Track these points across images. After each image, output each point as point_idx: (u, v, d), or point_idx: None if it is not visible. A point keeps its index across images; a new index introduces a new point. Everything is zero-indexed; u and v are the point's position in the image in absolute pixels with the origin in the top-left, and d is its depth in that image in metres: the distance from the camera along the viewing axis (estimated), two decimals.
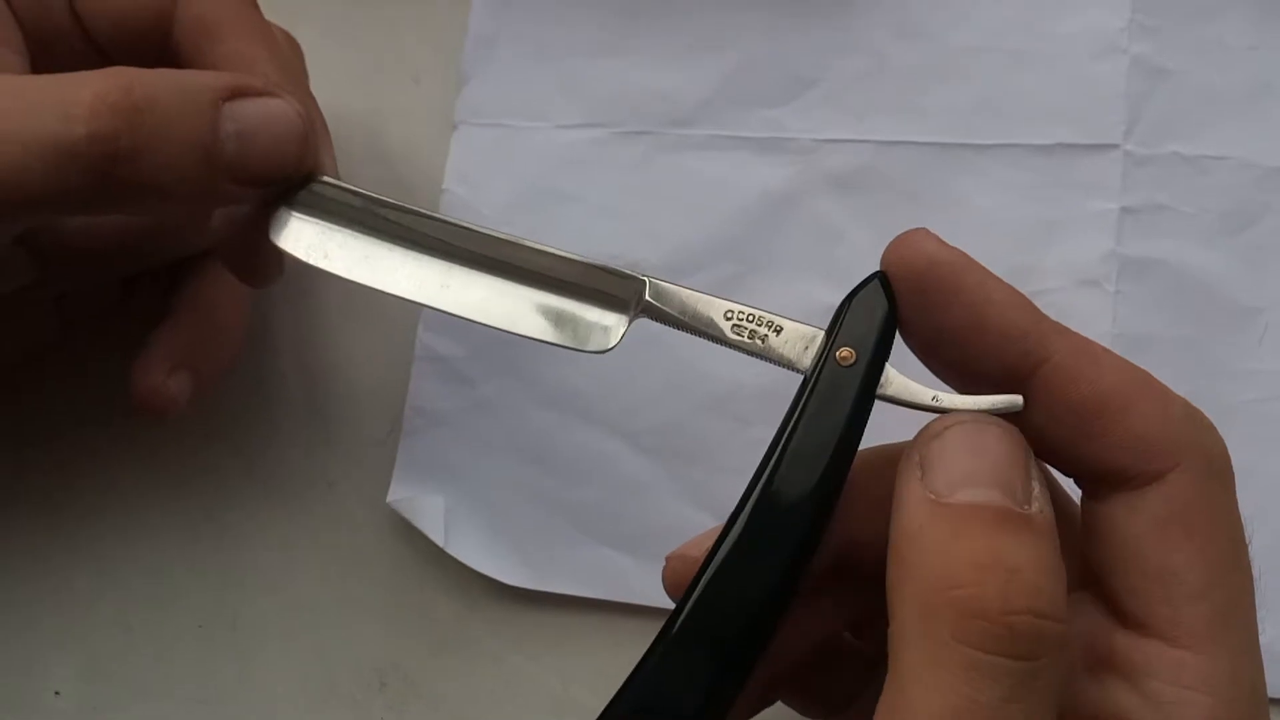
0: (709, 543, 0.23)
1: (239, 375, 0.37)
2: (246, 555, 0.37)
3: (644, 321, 0.35)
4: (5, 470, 0.37)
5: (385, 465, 0.36)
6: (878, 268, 0.24)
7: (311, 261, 0.30)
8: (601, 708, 0.26)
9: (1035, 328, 0.23)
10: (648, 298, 0.27)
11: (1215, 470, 0.23)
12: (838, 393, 0.23)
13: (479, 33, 0.38)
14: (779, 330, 0.26)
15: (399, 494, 0.36)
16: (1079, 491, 0.24)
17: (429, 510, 0.35)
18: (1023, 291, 0.24)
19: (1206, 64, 0.35)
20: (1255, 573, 0.23)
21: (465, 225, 0.29)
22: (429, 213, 0.29)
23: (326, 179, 0.30)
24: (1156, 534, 0.22)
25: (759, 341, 0.26)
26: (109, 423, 0.37)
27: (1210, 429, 0.23)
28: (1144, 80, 0.35)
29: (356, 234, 0.30)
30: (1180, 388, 0.23)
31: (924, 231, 0.23)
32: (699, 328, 0.27)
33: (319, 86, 0.35)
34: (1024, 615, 0.20)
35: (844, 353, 0.24)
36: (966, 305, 0.23)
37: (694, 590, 0.23)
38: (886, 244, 0.24)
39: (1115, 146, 0.35)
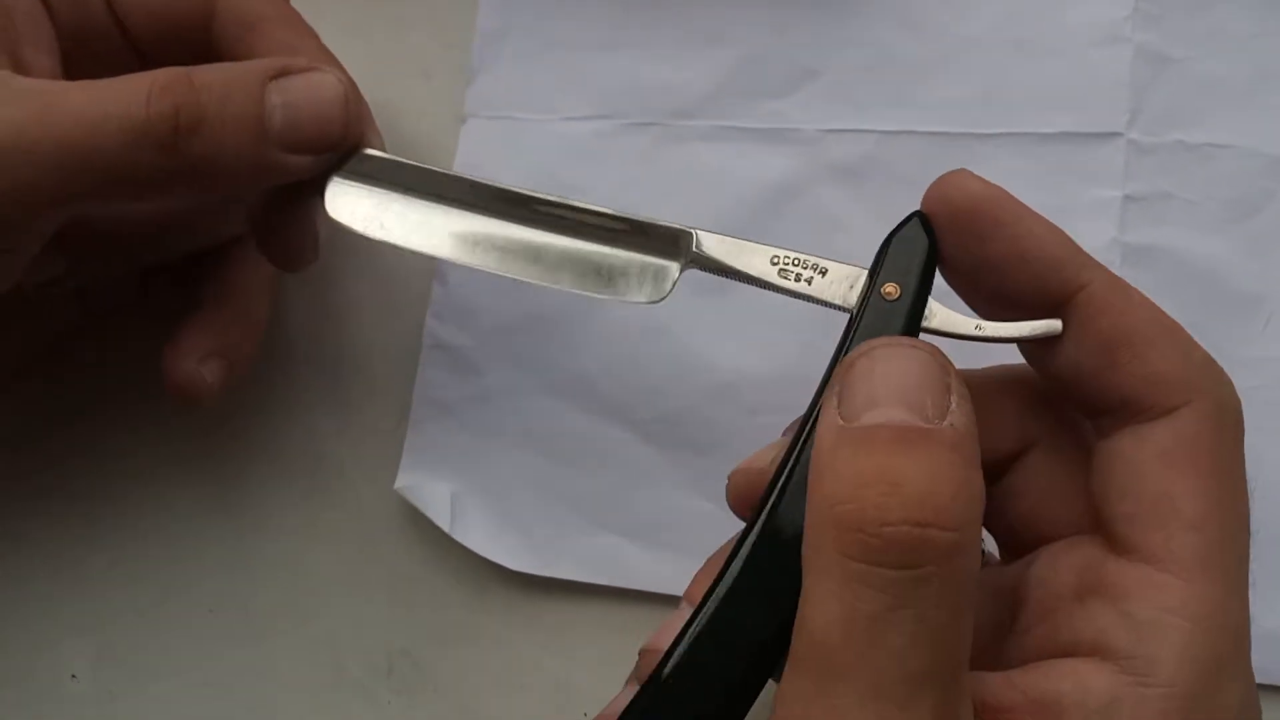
0: (772, 454, 0.25)
1: (251, 363, 0.38)
2: (257, 540, 0.37)
3: (649, 312, 0.36)
4: (23, 459, 0.38)
5: (394, 452, 0.37)
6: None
7: (368, 233, 0.31)
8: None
9: (1073, 258, 0.24)
10: (696, 249, 0.29)
11: (1226, 416, 0.23)
12: (884, 327, 0.24)
13: (488, 27, 0.39)
14: (824, 272, 0.27)
15: (406, 480, 0.36)
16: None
17: (435, 497, 0.36)
18: None
19: (1210, 52, 0.35)
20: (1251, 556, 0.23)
21: (514, 189, 0.30)
22: (478, 179, 0.31)
23: (374, 152, 0.31)
24: (1160, 463, 0.23)
25: (806, 284, 0.27)
26: (124, 412, 0.38)
27: (1227, 381, 0.24)
28: (1147, 68, 0.35)
29: (410, 203, 0.31)
30: None
31: (965, 171, 0.25)
32: (748, 274, 0.28)
33: None
34: (900, 526, 0.20)
35: (889, 288, 0.25)
36: (1009, 236, 0.24)
37: (763, 510, 0.23)
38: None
39: (1118, 135, 0.35)
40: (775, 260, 0.27)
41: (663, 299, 0.29)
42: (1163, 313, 0.24)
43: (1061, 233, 0.25)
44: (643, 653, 0.26)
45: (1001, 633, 0.25)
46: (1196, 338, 0.35)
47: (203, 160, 0.28)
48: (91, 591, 0.37)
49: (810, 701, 0.21)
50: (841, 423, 0.22)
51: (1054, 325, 0.24)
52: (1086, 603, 0.23)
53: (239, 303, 0.35)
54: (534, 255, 0.30)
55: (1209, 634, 0.22)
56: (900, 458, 0.21)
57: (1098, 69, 0.35)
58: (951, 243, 0.25)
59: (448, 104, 0.39)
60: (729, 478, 0.27)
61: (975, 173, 0.35)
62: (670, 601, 0.35)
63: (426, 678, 0.36)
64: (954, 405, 0.22)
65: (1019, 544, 0.26)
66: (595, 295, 0.30)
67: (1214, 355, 0.33)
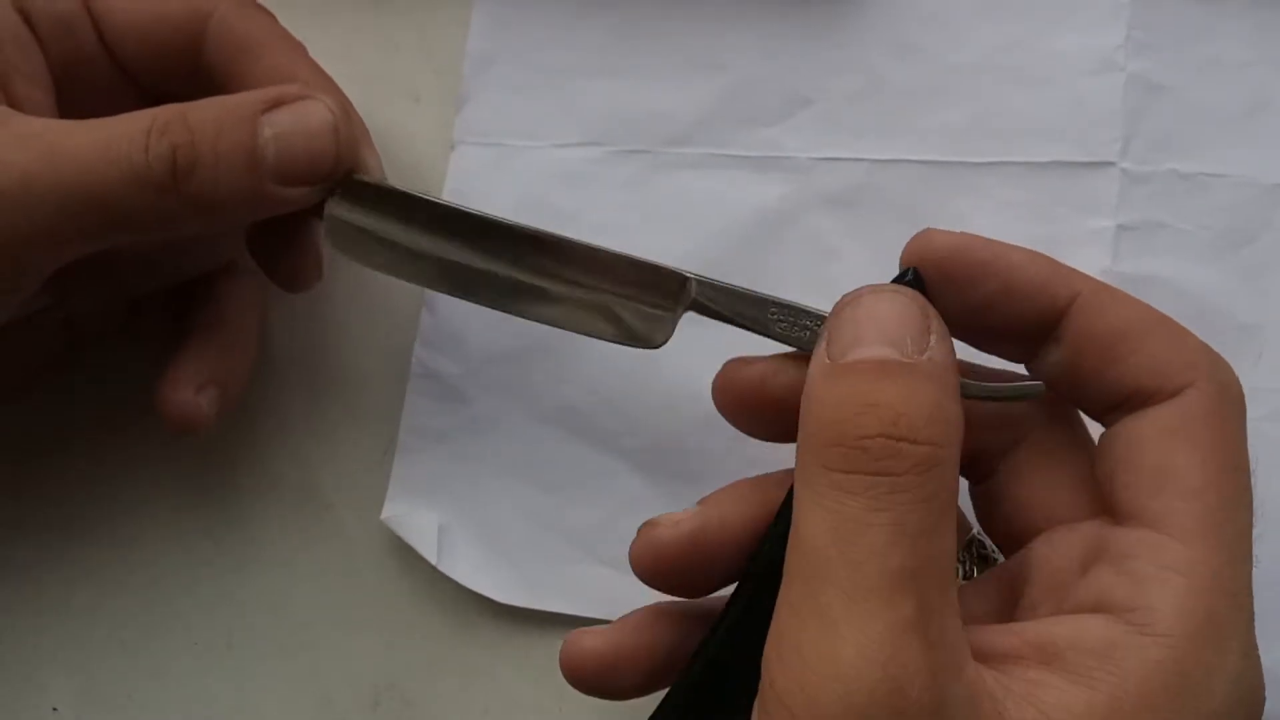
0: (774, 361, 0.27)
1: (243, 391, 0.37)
2: (242, 574, 0.37)
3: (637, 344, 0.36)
4: (4, 490, 0.37)
5: (382, 484, 0.36)
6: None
7: (364, 264, 0.31)
8: None
9: (1058, 274, 0.25)
10: (695, 295, 0.29)
11: (1227, 396, 0.24)
12: None
13: (477, 53, 0.38)
14: (822, 323, 0.27)
15: (393, 511, 0.36)
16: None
17: (422, 527, 0.35)
18: None
19: (1203, 81, 0.35)
20: (1255, 590, 0.23)
21: (511, 222, 0.30)
22: (473, 210, 0.30)
23: (365, 178, 0.31)
24: (1162, 439, 0.24)
25: (805, 334, 0.27)
26: (108, 444, 0.37)
27: (1227, 366, 0.25)
28: (1140, 97, 0.35)
29: (406, 236, 0.31)
30: None
31: (930, 230, 0.26)
32: (744, 322, 0.28)
33: None
34: (877, 438, 0.22)
35: None
36: (991, 276, 0.25)
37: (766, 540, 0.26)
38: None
39: (1112, 164, 0.35)
40: (774, 311, 0.28)
41: (660, 346, 0.30)
42: (1153, 308, 0.25)
43: (1041, 255, 0.26)
44: (644, 526, 0.28)
45: (1006, 618, 0.26)
46: None
47: (200, 199, 0.29)
48: (74, 625, 0.37)
49: (800, 605, 0.22)
50: (828, 361, 0.23)
51: (1038, 387, 0.26)
52: (1090, 571, 0.24)
53: (230, 330, 0.35)
54: (531, 295, 0.30)
55: (1207, 593, 0.22)
56: (880, 383, 0.23)
57: (1090, 97, 0.35)
58: (939, 295, 0.25)
59: (437, 129, 0.38)
60: (716, 376, 0.28)
61: (962, 203, 0.36)
62: None
63: (414, 712, 0.36)
64: (933, 342, 0.23)
65: (1016, 534, 0.27)
66: (594, 336, 0.30)
67: None
